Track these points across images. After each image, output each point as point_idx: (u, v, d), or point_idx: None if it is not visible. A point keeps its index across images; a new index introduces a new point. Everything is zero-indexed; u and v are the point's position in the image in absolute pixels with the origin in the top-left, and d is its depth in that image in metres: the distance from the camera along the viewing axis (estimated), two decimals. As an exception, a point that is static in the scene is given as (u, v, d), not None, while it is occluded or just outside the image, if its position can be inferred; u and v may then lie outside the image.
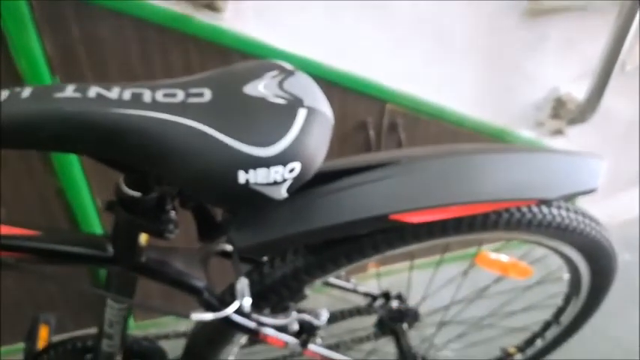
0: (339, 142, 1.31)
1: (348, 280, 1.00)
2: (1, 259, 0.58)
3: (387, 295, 1.04)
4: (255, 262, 0.79)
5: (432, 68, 1.24)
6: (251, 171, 0.47)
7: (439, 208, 0.64)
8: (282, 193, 0.50)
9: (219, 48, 1.00)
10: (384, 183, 0.64)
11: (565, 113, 1.42)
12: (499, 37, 1.22)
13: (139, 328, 1.44)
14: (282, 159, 0.47)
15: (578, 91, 1.37)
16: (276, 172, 0.48)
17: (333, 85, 1.15)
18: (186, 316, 0.62)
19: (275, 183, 0.48)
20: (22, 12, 0.84)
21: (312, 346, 0.78)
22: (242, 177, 0.47)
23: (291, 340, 0.76)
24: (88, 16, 0.89)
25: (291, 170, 0.48)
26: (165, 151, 0.47)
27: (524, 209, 0.73)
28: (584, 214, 0.80)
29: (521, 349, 1.19)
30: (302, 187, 0.62)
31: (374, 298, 1.04)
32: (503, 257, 0.88)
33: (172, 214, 0.58)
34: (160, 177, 0.55)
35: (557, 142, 1.51)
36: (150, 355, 0.96)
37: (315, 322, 0.74)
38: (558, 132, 1.48)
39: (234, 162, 0.46)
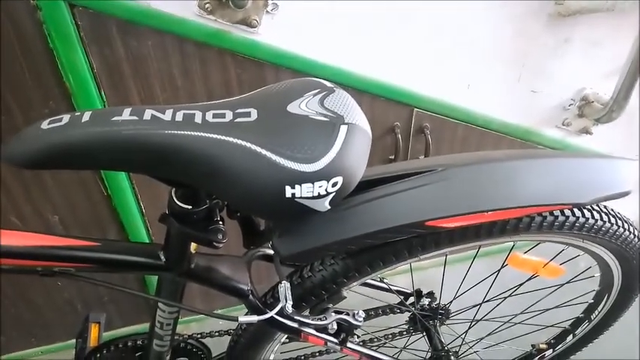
0: (368, 146, 1.33)
1: (380, 279, 1.03)
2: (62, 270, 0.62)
3: (418, 293, 1.07)
4: (296, 266, 0.83)
5: (458, 72, 1.25)
6: (297, 186, 0.50)
7: (474, 215, 0.66)
8: (325, 205, 0.54)
9: (255, 61, 1.04)
10: (421, 190, 0.67)
11: (592, 112, 1.41)
12: (526, 39, 1.22)
13: (182, 324, 1.50)
14: (325, 174, 0.51)
15: (605, 90, 1.37)
16: (320, 187, 0.51)
17: (363, 92, 1.18)
18: (235, 319, 0.67)
19: (319, 196, 0.52)
20: (69, 32, 0.89)
21: (350, 345, 0.81)
22: (289, 192, 0.50)
23: (331, 339, 0.79)
24: (131, 34, 0.94)
25: (334, 184, 0.52)
26: (216, 169, 0.51)
27: (557, 213, 0.74)
28: (617, 216, 0.81)
29: (551, 345, 1.21)
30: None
31: (406, 296, 1.07)
32: (535, 258, 0.89)
33: (221, 224, 0.61)
34: (210, 192, 0.59)
35: (583, 141, 1.50)
36: (195, 352, 1.01)
37: (353, 321, 0.78)
38: (585, 131, 1.48)
39: (281, 178, 0.50)
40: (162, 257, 0.66)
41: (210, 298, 1.51)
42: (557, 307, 1.10)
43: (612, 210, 0.81)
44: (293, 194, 0.50)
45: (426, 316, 1.07)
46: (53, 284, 1.34)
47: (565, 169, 0.71)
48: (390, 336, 1.11)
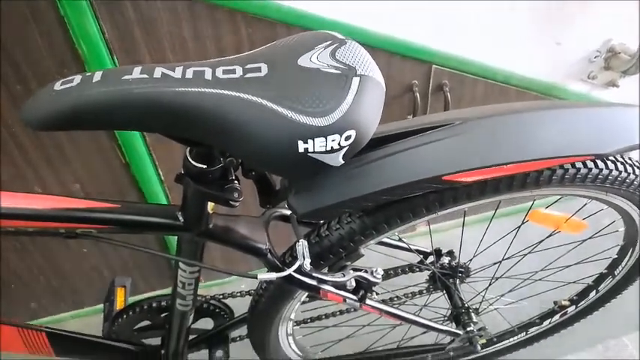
0: (386, 106, 1.30)
1: (400, 239, 1.03)
2: (84, 232, 0.64)
3: (438, 252, 1.07)
4: (313, 224, 0.83)
5: (477, 26, 1.21)
6: (309, 140, 0.49)
7: (493, 168, 0.65)
8: (339, 160, 0.53)
9: (266, 21, 1.02)
10: (437, 144, 0.65)
11: (618, 64, 1.36)
12: (549, -12, 1.17)
13: (203, 289, 1.54)
14: (338, 127, 0.50)
15: (632, 40, 1.31)
16: (333, 141, 0.50)
17: (378, 49, 1.15)
18: (254, 277, 0.68)
19: (332, 150, 0.51)
20: (78, -3, 0.89)
21: (369, 302, 0.82)
22: (301, 146, 0.50)
23: (350, 296, 0.80)
24: (142, -2, 0.92)
25: (348, 138, 0.51)
26: (227, 125, 0.50)
27: (579, 165, 0.72)
28: (641, 167, 0.79)
29: (574, 301, 1.20)
30: (357, 152, 0.65)
31: (426, 255, 1.07)
32: (556, 213, 0.88)
33: (236, 183, 0.62)
34: (223, 150, 0.58)
35: (609, 95, 1.45)
36: (218, 313, 1.03)
37: (372, 279, 0.78)
38: (611, 84, 1.42)
39: (293, 133, 0.49)
40: (181, 218, 0.67)
41: (231, 264, 1.54)
42: (579, 262, 1.09)
43: (637, 161, 0.79)
44: (306, 149, 0.50)
45: (446, 274, 1.07)
46: (79, 251, 1.38)
47: (586, 119, 0.69)
48: (411, 295, 1.12)
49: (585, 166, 0.73)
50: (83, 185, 1.20)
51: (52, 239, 1.30)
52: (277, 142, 0.50)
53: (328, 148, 0.51)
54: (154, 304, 0.96)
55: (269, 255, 0.73)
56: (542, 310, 1.25)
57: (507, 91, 1.35)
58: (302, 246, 0.71)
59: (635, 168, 0.77)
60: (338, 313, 1.14)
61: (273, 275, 0.69)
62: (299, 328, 1.11)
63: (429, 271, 1.09)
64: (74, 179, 1.20)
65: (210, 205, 0.66)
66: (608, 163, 0.74)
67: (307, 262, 0.70)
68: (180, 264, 0.75)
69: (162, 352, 0.97)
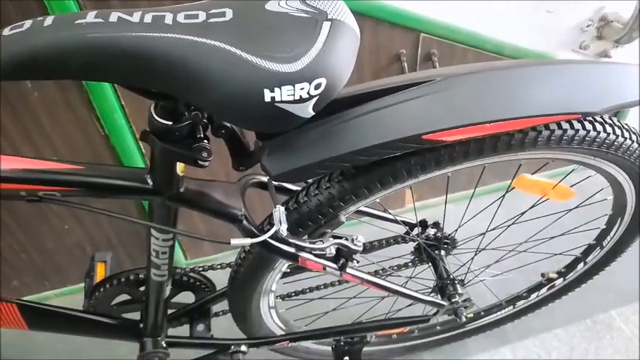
0: (373, 76, 1.28)
1: (385, 209, 1.01)
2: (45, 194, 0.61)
3: (424, 224, 1.05)
4: (292, 192, 0.80)
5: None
6: (276, 89, 0.46)
7: (475, 126, 0.62)
8: (309, 111, 0.50)
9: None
10: (417, 102, 0.62)
11: (611, 33, 1.32)
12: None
13: (189, 266, 1.51)
14: (306, 75, 0.47)
15: (625, 9, 1.27)
16: (302, 89, 0.47)
17: (365, 16, 1.11)
18: (227, 242, 0.65)
19: (301, 100, 0.48)
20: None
21: (350, 270, 0.80)
22: (267, 95, 0.46)
23: (330, 264, 0.78)
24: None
25: (317, 86, 0.48)
26: (189, 73, 0.47)
27: (566, 125, 0.70)
28: (630, 130, 0.76)
29: (562, 274, 1.19)
30: (333, 111, 0.62)
31: (411, 226, 1.04)
32: (544, 179, 0.85)
33: (205, 142, 0.58)
34: (188, 103, 0.55)
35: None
36: (199, 286, 1.01)
37: (352, 246, 0.76)
38: (604, 54, 1.39)
39: (259, 80, 0.46)
40: (150, 181, 0.64)
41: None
42: (566, 233, 1.07)
43: (626, 124, 0.76)
44: (272, 98, 0.47)
45: (432, 246, 1.05)
46: (60, 227, 1.35)
47: (574, 76, 0.66)
48: (396, 267, 1.10)
49: (572, 127, 0.70)
50: (62, 158, 1.16)
51: (31, 213, 1.27)
52: (242, 91, 0.46)
53: (297, 98, 0.48)
54: (131, 277, 0.93)
55: (244, 221, 0.70)
56: (530, 283, 1.24)
57: (498, 60, 1.31)
58: (279, 211, 0.68)
59: (624, 131, 0.75)
60: (322, 286, 1.12)
61: (248, 241, 0.66)
62: (282, 302, 1.09)
63: (415, 243, 1.07)
64: (53, 153, 1.16)
65: (180, 167, 0.63)
66: (596, 124, 0.72)
67: (284, 227, 0.67)
68: (153, 231, 0.72)
69: (141, 325, 0.94)
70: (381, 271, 1.09)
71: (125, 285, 0.94)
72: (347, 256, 0.78)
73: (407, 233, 1.05)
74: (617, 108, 0.67)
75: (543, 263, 1.15)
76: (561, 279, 1.19)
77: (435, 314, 0.99)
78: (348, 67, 0.50)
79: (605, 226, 1.05)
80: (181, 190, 0.66)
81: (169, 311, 1.02)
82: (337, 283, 1.12)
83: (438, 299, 0.98)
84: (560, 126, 0.69)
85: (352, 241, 0.77)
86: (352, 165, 0.64)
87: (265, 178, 0.79)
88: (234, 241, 0.64)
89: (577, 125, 0.70)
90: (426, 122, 0.61)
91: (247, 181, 0.77)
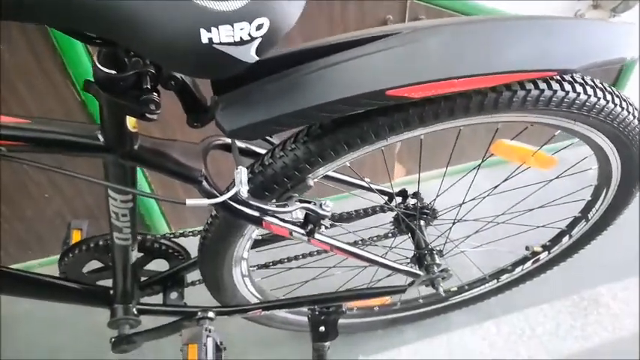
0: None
1: (362, 178, 0.98)
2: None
3: (404, 193, 1.02)
4: (258, 155, 0.77)
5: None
6: (213, 29, 0.43)
7: (442, 82, 0.58)
8: (251, 54, 0.46)
9: None
10: (382, 55, 0.59)
11: (607, 2, 1.28)
12: None
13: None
14: (246, 13, 0.43)
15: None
16: (242, 30, 0.44)
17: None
18: (182, 203, 0.62)
19: (242, 42, 0.45)
20: None
21: (318, 236, 0.77)
22: (204, 36, 0.43)
23: (296, 229, 0.75)
24: None
25: (259, 27, 0.44)
26: (122, 12, 0.43)
27: (543, 85, 0.66)
28: (612, 92, 0.72)
29: (547, 247, 1.16)
30: (292, 64, 0.59)
31: (391, 196, 1.01)
32: (523, 145, 0.82)
33: (154, 95, 0.55)
34: (124, 45, 0.52)
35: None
36: (171, 253, 0.99)
37: (320, 211, 0.73)
38: (601, 23, 1.35)
39: (194, 19, 0.42)
40: (101, 137, 0.61)
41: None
42: (546, 205, 1.04)
43: (608, 86, 0.72)
44: (210, 39, 0.43)
45: (411, 216, 1.02)
46: (40, 196, 1.33)
47: (552, 32, 0.62)
48: (376, 238, 1.08)
49: (550, 87, 0.66)
50: (19, 92, 1.12)
51: (10, 183, 1.25)
52: (177, 32, 0.43)
53: (237, 39, 0.44)
54: (100, 242, 0.91)
55: (204, 182, 0.67)
56: (515, 257, 1.22)
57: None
58: (240, 172, 0.66)
59: (607, 93, 0.71)
60: (301, 256, 1.10)
61: (204, 201, 0.64)
62: (258, 271, 1.07)
63: (394, 214, 1.04)
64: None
65: (131, 122, 0.60)
66: (576, 85, 0.68)
67: (244, 189, 0.65)
68: (110, 192, 0.69)
69: (112, 292, 0.93)
70: (360, 242, 1.07)
71: (94, 251, 0.92)
72: (315, 221, 0.75)
73: (386, 203, 1.02)
74: (598, 66, 0.63)
75: (530, 237, 1.12)
76: (546, 252, 1.17)
77: (411, 284, 0.96)
78: (294, 9, 0.47)
79: (590, 198, 1.01)
80: (135, 147, 0.63)
81: (142, 279, 1.00)
82: (316, 253, 1.09)
83: (415, 269, 0.96)
84: (536, 85, 0.66)
85: (320, 205, 0.74)
86: (313, 122, 0.61)
87: (229, 140, 0.76)
88: (189, 201, 0.62)
89: (555, 85, 0.66)
90: (390, 77, 0.58)
91: (210, 143, 0.74)
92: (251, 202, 0.67)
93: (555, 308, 1.36)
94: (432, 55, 0.59)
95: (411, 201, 1.02)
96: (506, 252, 1.19)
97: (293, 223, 0.75)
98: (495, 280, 1.25)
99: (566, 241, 1.12)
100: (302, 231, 0.75)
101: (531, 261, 1.19)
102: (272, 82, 0.58)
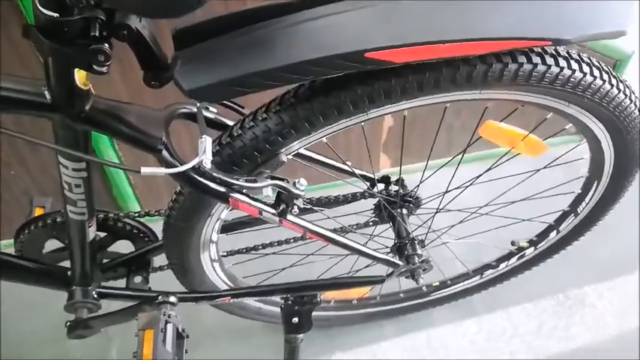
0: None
1: (344, 162, 0.93)
2: None
3: (386, 180, 0.97)
4: (225, 127, 0.72)
5: None
6: None
7: (427, 46, 0.53)
8: None
9: None
10: (361, 13, 0.54)
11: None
12: None
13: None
14: None
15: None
16: None
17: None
18: (137, 171, 0.56)
19: None
20: None
21: (291, 218, 0.72)
22: None
23: (266, 208, 0.69)
24: None
25: None
26: None
27: (536, 59, 0.61)
28: (609, 73, 0.68)
29: (533, 242, 1.12)
30: (260, 18, 0.53)
31: (373, 182, 0.96)
32: (513, 128, 0.77)
33: (105, 46, 0.49)
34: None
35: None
36: (137, 234, 0.93)
37: (293, 189, 0.68)
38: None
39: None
40: (47, 94, 0.55)
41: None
42: (531, 197, 0.99)
43: (606, 66, 0.68)
44: None
45: (393, 203, 0.97)
46: (7, 174, 1.26)
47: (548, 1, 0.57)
48: (356, 226, 1.02)
49: (544, 61, 0.61)
50: None
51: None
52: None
53: None
54: (58, 218, 0.85)
55: (164, 151, 0.61)
56: (500, 252, 1.17)
57: None
58: (204, 141, 0.60)
59: (604, 72, 0.67)
60: (276, 243, 1.04)
61: (161, 170, 0.58)
62: (231, 257, 1.01)
63: (376, 200, 0.99)
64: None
65: (81, 78, 0.54)
66: (571, 61, 0.63)
67: (208, 159, 0.59)
68: (60, 158, 0.63)
69: (69, 273, 0.86)
70: (339, 229, 1.02)
71: (51, 228, 0.86)
72: (287, 200, 0.69)
73: (368, 189, 0.97)
74: (595, 38, 0.58)
75: (515, 230, 1.07)
76: (532, 248, 1.12)
77: (390, 275, 0.91)
78: None
79: (580, 191, 0.97)
80: (86, 108, 0.57)
81: (105, 261, 0.94)
82: (292, 240, 1.04)
83: (395, 259, 0.91)
84: (529, 58, 0.60)
85: (294, 184, 0.68)
86: (281, 84, 0.55)
87: (194, 108, 0.70)
88: (144, 169, 0.56)
89: (549, 60, 0.61)
90: (370, 37, 0.53)
91: (175, 110, 0.68)
92: (215, 174, 0.61)
93: (539, 307, 1.32)
94: (417, 16, 0.54)
95: (394, 188, 0.97)
96: (491, 246, 1.14)
97: (263, 203, 0.69)
98: (479, 276, 1.20)
99: (553, 236, 1.08)
100: (273, 211, 0.69)
101: (517, 257, 1.15)
102: (237, 37, 0.53)
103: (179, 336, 0.77)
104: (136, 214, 0.90)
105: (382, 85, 0.60)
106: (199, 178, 0.63)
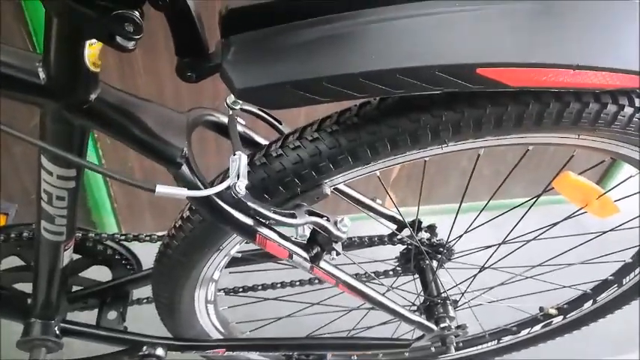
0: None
1: (373, 199, 0.80)
2: None
3: (417, 224, 0.84)
4: (257, 146, 0.58)
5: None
6: None
7: (557, 69, 0.41)
8: None
9: None
10: (471, 17, 0.41)
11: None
12: None
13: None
14: None
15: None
16: None
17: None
18: (151, 190, 0.41)
19: None
20: None
21: (324, 265, 0.58)
22: None
23: (299, 251, 0.55)
24: None
25: None
26: None
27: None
28: None
29: (563, 310, 0.99)
30: (337, 9, 0.40)
31: (402, 225, 0.83)
32: (590, 182, 0.65)
33: (135, 13, 0.35)
34: None
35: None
36: (118, 260, 0.77)
37: (334, 230, 0.53)
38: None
39: None
40: (42, 73, 0.40)
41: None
42: (590, 261, 0.88)
43: None
44: None
45: (422, 253, 0.83)
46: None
47: None
48: (374, 274, 0.88)
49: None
50: None
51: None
52: None
53: None
54: (25, 233, 0.68)
55: (185, 167, 0.47)
56: (524, 316, 1.04)
57: None
58: (239, 159, 0.46)
59: None
60: (279, 285, 0.89)
61: (183, 192, 0.43)
62: (225, 297, 0.85)
63: (403, 248, 0.85)
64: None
65: (92, 55, 0.39)
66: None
67: (242, 183, 0.45)
68: (44, 160, 0.47)
69: (29, 301, 0.69)
70: (363, 276, 0.87)
71: (14, 243, 0.69)
72: (324, 243, 0.55)
73: (394, 233, 0.83)
74: None
75: (543, 294, 0.95)
76: (561, 317, 1.00)
77: (418, 338, 0.77)
78: None
79: (630, 260, 0.86)
80: (91, 97, 0.42)
81: (75, 289, 0.77)
82: (298, 283, 0.89)
83: (425, 321, 0.77)
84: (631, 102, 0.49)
85: (335, 223, 0.54)
86: (361, 97, 0.42)
87: (226, 119, 0.56)
88: (160, 188, 0.41)
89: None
90: (484, 50, 0.40)
91: (200, 115, 0.54)
92: (250, 203, 0.47)
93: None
94: (544, 30, 0.41)
95: (425, 235, 0.84)
96: (515, 309, 1.01)
97: (295, 243, 0.55)
98: (495, 341, 1.07)
99: (588, 306, 0.96)
100: (305, 255, 0.55)
101: (542, 324, 1.02)
102: (308, 27, 0.39)
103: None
104: (122, 237, 0.74)
105: (474, 113, 0.47)
106: (224, 206, 0.49)
